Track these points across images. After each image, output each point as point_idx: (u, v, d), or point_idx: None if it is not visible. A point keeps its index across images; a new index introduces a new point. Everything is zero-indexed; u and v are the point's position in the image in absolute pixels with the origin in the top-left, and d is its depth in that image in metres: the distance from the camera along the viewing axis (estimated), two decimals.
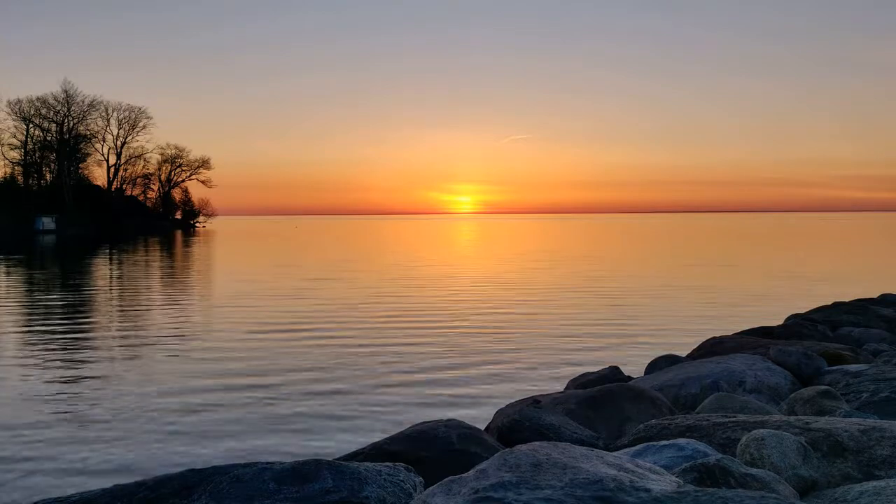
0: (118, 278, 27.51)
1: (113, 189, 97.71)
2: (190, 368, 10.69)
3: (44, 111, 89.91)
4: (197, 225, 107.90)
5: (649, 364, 7.65)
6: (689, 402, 5.51)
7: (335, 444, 6.98)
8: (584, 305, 17.96)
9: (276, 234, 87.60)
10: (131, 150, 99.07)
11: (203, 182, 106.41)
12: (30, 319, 16.07)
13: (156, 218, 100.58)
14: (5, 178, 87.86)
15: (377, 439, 4.18)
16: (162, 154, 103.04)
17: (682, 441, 3.21)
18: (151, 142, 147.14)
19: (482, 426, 4.82)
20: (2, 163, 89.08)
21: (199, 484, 2.76)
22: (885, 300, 12.38)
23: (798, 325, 9.10)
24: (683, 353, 8.25)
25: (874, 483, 2.73)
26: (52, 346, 12.55)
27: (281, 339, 13.07)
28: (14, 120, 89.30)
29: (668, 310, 17.09)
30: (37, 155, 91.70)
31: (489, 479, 2.49)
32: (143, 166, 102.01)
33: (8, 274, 29.00)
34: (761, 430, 3.02)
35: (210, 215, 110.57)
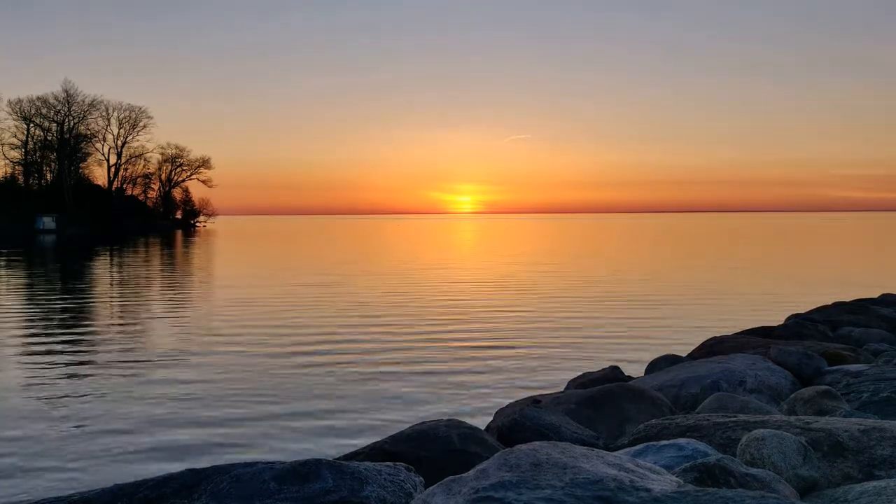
0: (118, 280, 27.51)
1: (113, 189, 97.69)
2: (189, 368, 10.69)
3: (44, 111, 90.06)
4: (197, 225, 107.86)
5: (649, 364, 7.64)
6: (690, 402, 5.51)
7: (335, 444, 6.98)
8: (585, 305, 17.95)
9: (275, 233, 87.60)
10: (132, 150, 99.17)
11: (203, 182, 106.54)
12: (29, 320, 16.07)
13: (156, 217, 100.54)
14: (5, 178, 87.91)
15: (377, 439, 4.18)
16: (162, 154, 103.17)
17: (682, 441, 3.21)
18: (152, 141, 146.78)
19: (482, 426, 4.82)
20: (2, 162, 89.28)
21: (200, 484, 2.76)
22: (885, 300, 12.36)
23: (798, 325, 9.09)
24: (683, 353, 8.24)
25: (874, 483, 2.73)
26: (52, 347, 12.56)
27: (280, 339, 13.07)
28: (14, 119, 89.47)
29: (668, 310, 17.09)
30: (37, 154, 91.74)
31: (489, 478, 2.49)
32: (144, 166, 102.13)
33: (7, 274, 28.99)
34: (762, 430, 3.02)
35: (210, 215, 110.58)
